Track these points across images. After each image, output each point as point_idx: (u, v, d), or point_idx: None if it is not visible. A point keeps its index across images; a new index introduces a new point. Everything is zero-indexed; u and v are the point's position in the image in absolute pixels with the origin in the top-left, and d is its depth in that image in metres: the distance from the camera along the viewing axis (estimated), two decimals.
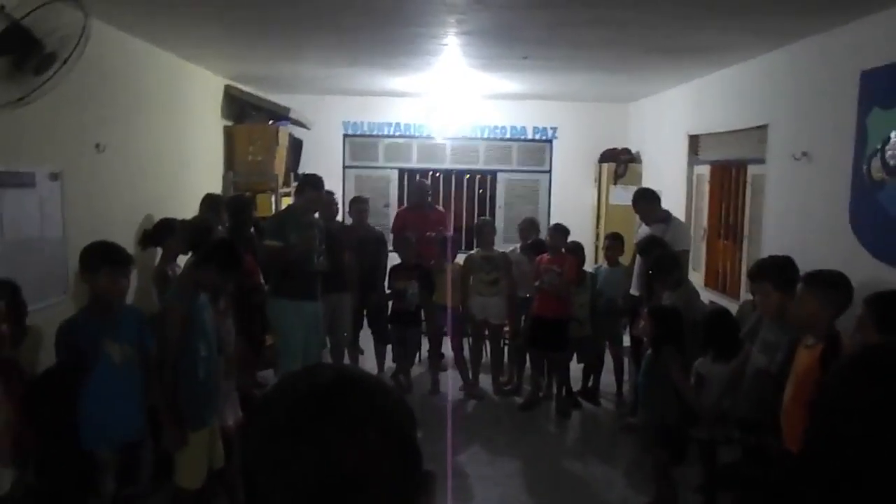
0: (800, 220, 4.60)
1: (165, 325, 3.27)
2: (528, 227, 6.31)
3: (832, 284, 3.08)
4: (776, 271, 3.57)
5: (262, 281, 5.23)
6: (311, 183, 5.11)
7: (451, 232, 6.34)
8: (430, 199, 6.96)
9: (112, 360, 3.08)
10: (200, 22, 4.57)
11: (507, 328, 6.17)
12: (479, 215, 8.75)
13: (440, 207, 7.18)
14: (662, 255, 4.84)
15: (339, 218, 6.56)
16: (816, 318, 3.04)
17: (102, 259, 3.12)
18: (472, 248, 6.35)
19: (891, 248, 3.63)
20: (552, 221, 7.86)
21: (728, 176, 6.09)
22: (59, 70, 3.24)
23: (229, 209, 5.62)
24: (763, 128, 5.17)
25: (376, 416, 0.81)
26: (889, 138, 3.69)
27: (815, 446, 0.94)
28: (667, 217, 5.51)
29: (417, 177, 8.16)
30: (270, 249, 4.92)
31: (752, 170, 5.53)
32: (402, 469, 0.80)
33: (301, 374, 0.86)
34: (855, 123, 3.94)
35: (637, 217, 5.80)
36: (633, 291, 5.50)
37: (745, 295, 5.41)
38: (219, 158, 6.91)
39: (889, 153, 3.69)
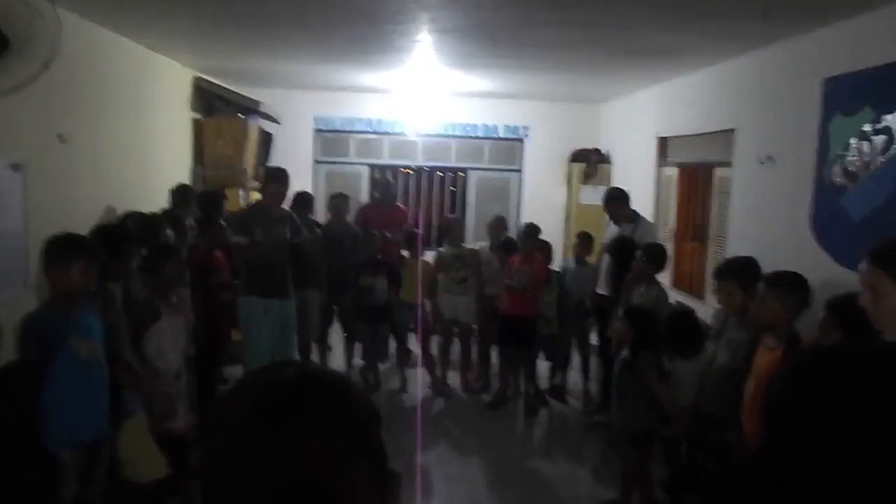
0: (763, 222, 4.69)
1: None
2: (498, 225, 6.32)
3: (792, 285, 3.15)
4: (740, 271, 3.64)
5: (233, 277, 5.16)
6: (275, 177, 5.05)
7: (418, 229, 6.33)
8: (394, 196, 7.00)
9: (77, 356, 3.00)
10: (169, 13, 4.50)
11: (475, 326, 6.18)
12: (450, 212, 8.77)
13: (402, 205, 7.20)
14: (657, 245, 4.89)
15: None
16: (776, 318, 3.11)
17: (73, 252, 2.99)
18: (440, 246, 6.35)
19: (850, 251, 3.71)
20: (523, 220, 7.91)
21: (695, 178, 6.19)
22: (42, 71, 3.17)
23: (200, 204, 5.55)
24: (730, 131, 5.26)
25: (341, 417, 0.79)
26: (849, 144, 3.78)
27: (768, 444, 0.97)
28: (635, 217, 5.59)
29: (387, 173, 8.15)
30: (235, 246, 4.86)
31: (718, 172, 5.62)
32: (368, 470, 0.79)
33: (263, 373, 0.83)
34: (818, 129, 4.03)
35: (606, 217, 5.86)
36: (601, 291, 5.55)
37: (710, 296, 5.50)
38: (187, 152, 6.82)
39: (850, 159, 3.78)
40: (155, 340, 3.54)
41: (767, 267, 3.55)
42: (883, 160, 3.55)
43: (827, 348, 1.23)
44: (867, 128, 3.66)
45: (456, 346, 6.24)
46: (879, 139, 3.58)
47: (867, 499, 0.85)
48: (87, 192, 4.66)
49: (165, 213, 5.10)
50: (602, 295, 5.48)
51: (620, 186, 6.10)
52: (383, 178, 7.43)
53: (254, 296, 4.86)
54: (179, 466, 3.45)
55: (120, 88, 5.24)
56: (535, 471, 4.74)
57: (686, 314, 4.21)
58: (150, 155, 5.84)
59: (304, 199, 5.97)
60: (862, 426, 0.86)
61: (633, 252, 4.92)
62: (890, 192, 3.49)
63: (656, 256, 4.77)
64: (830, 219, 3.93)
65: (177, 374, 3.66)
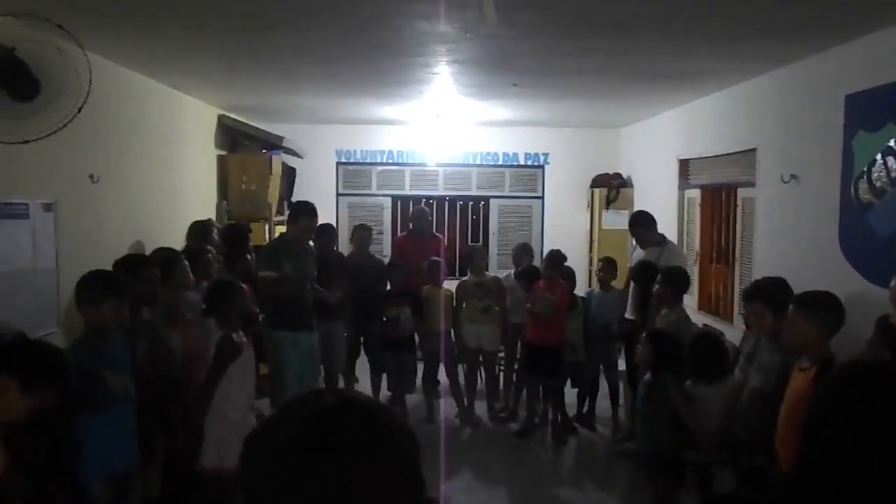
0: (790, 242, 4.63)
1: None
2: (521, 252, 6.31)
3: (822, 306, 3.07)
4: (770, 292, 3.58)
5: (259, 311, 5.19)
6: (304, 210, 5.09)
7: (440, 258, 6.33)
8: (430, 226, 6.91)
9: (110, 390, 3.06)
10: (193, 54, 4.62)
11: (502, 354, 6.15)
12: (472, 241, 8.78)
13: (439, 235, 7.14)
14: (676, 268, 4.84)
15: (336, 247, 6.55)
16: (808, 340, 3.04)
17: (106, 290, 3.10)
18: (464, 274, 6.34)
19: (880, 268, 3.65)
20: (546, 246, 7.91)
21: (718, 199, 6.14)
22: (75, 116, 3.27)
23: (225, 238, 5.61)
24: (752, 151, 5.23)
25: (380, 442, 0.80)
26: (875, 160, 3.74)
27: (807, 461, 0.95)
28: (662, 241, 5.53)
29: (423, 203, 8.17)
30: (265, 280, 4.89)
31: (742, 193, 5.58)
32: (407, 495, 0.80)
33: (304, 399, 0.84)
34: (841, 146, 3.99)
35: (631, 241, 5.81)
36: (629, 315, 5.50)
37: (738, 318, 5.42)
38: (212, 188, 6.93)
39: (875, 175, 3.74)
40: (236, 375, 3.52)
41: (797, 287, 3.49)
42: None
43: (870, 362, 1.21)
44: (892, 143, 3.62)
45: (482, 375, 6.20)
46: None
47: None
48: (117, 230, 4.75)
49: (185, 249, 5.12)
50: (630, 320, 5.43)
51: (645, 210, 6.05)
52: (418, 208, 7.22)
53: (281, 329, 4.88)
54: None
55: (147, 128, 5.36)
56: (563, 499, 4.67)
57: (710, 338, 4.16)
58: (177, 192, 5.95)
59: (327, 232, 6.01)
60: None
61: (655, 276, 4.87)
62: None
63: (676, 280, 4.72)
64: (858, 236, 3.87)
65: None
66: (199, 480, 3.43)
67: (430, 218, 7.01)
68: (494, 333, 5.92)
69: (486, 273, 6.24)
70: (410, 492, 0.80)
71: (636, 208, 7.41)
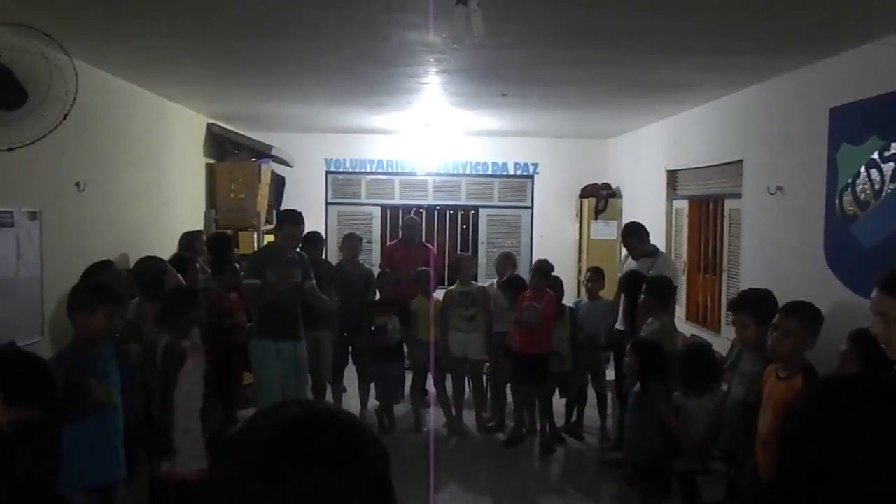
0: (776, 252, 4.66)
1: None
2: (505, 261, 6.31)
3: (812, 316, 3.14)
4: (755, 303, 3.61)
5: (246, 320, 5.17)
6: (289, 218, 5.06)
7: (430, 268, 6.32)
8: (420, 235, 6.91)
9: (96, 400, 3.03)
10: (181, 62, 4.61)
11: (487, 363, 6.14)
12: (460, 251, 8.78)
13: (429, 245, 7.15)
14: (660, 278, 4.85)
15: (324, 255, 6.54)
16: (798, 349, 3.08)
17: (100, 299, 3.07)
18: (452, 284, 6.34)
19: (865, 280, 3.67)
20: (534, 256, 7.92)
21: (706, 210, 6.18)
22: (61, 122, 3.26)
23: (210, 247, 5.60)
24: (738, 163, 5.27)
25: (348, 453, 0.79)
26: (859, 173, 3.78)
27: (782, 475, 0.96)
28: (654, 252, 5.54)
29: (412, 213, 8.17)
30: (248, 288, 4.87)
31: (728, 204, 5.62)
32: None
33: (270, 412, 0.84)
34: (826, 158, 4.03)
35: (622, 251, 5.82)
36: (619, 326, 5.50)
37: (725, 328, 5.45)
38: (201, 196, 6.91)
39: (860, 187, 3.78)
40: (185, 383, 3.56)
41: (781, 297, 3.52)
42: (893, 187, 3.54)
43: (846, 376, 1.23)
44: (875, 156, 3.66)
45: (469, 384, 6.19)
46: (889, 167, 3.57)
47: None
48: (103, 238, 4.72)
49: (173, 257, 5.12)
50: (620, 330, 5.43)
51: (638, 221, 6.04)
52: (408, 218, 7.24)
53: (266, 338, 4.85)
54: None
55: (134, 136, 5.34)
56: None
57: (699, 349, 4.17)
58: (165, 200, 5.93)
59: (314, 239, 6.00)
60: (881, 452, 0.85)
61: (643, 286, 4.88)
62: None
63: (659, 290, 4.73)
64: (842, 247, 3.91)
65: (200, 415, 3.66)
66: (187, 493, 3.40)
67: (420, 228, 7.01)
68: (480, 342, 5.91)
69: (474, 282, 6.24)
70: (380, 501, 0.80)
71: (625, 219, 7.45)
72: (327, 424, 0.82)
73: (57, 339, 3.81)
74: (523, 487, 4.99)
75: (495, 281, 6.26)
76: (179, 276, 4.49)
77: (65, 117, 3.28)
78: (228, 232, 6.39)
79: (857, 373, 1.59)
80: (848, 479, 0.87)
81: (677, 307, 6.23)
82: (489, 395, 6.26)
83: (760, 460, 3.04)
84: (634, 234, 5.59)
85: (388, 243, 7.41)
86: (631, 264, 5.57)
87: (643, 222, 5.84)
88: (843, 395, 0.93)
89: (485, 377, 6.23)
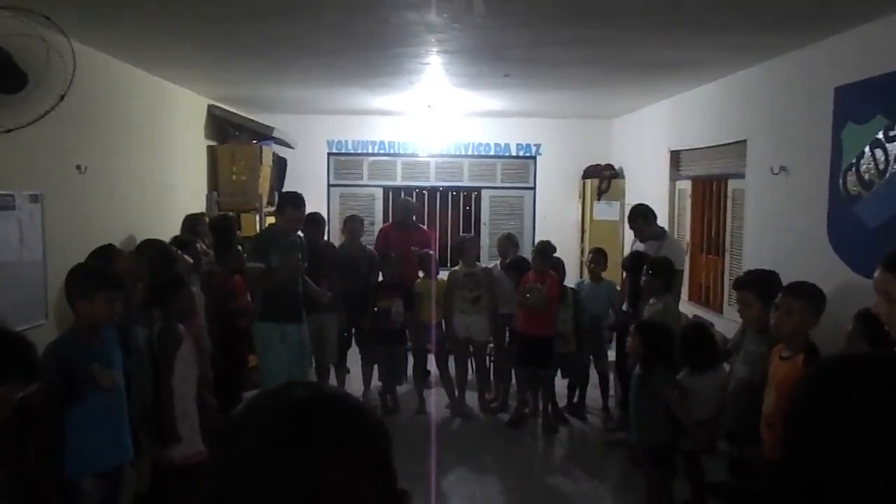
0: (779, 233, 4.65)
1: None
2: (506, 243, 6.30)
3: (814, 295, 3.15)
4: (760, 282, 3.61)
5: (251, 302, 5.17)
6: (291, 201, 5.03)
7: (433, 250, 6.31)
8: (414, 218, 6.89)
9: (100, 385, 3.03)
10: (181, 44, 4.59)
11: (491, 345, 6.16)
12: (463, 232, 8.77)
13: (423, 227, 7.12)
14: (662, 259, 4.84)
15: (327, 237, 6.53)
16: (804, 328, 3.09)
17: (100, 284, 3.02)
18: (455, 265, 6.34)
19: (867, 260, 3.67)
20: (537, 237, 7.91)
21: (709, 190, 6.16)
22: (58, 103, 3.24)
23: (213, 230, 5.59)
24: (742, 143, 5.24)
25: (351, 434, 0.80)
26: (863, 152, 3.76)
27: (787, 455, 0.96)
28: (661, 234, 5.50)
29: (402, 195, 8.14)
30: (253, 272, 4.86)
31: (732, 184, 5.59)
32: (378, 488, 0.80)
33: (273, 394, 0.84)
34: (830, 138, 4.01)
35: (626, 233, 5.80)
36: (622, 307, 5.50)
37: (728, 308, 5.45)
38: (202, 179, 6.90)
39: (864, 167, 3.76)
40: (181, 367, 3.58)
41: (784, 277, 3.52)
42: None
43: (851, 356, 1.23)
44: (880, 135, 3.63)
45: (472, 366, 6.21)
46: (893, 146, 3.55)
47: None
48: (105, 222, 4.72)
49: (174, 239, 5.10)
50: (622, 311, 5.43)
51: (640, 202, 5.96)
52: (403, 200, 7.17)
53: (270, 321, 4.86)
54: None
55: (135, 118, 5.33)
56: (554, 489, 4.69)
57: (698, 327, 4.17)
58: (167, 183, 5.92)
59: (315, 220, 5.97)
60: (886, 434, 0.85)
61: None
62: None
63: (661, 270, 4.73)
64: (846, 227, 3.90)
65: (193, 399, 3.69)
66: (189, 475, 3.42)
67: (414, 209, 6.94)
68: (484, 324, 5.93)
69: (477, 264, 6.24)
70: (382, 483, 0.81)
71: (628, 199, 7.42)
72: (331, 406, 0.82)
73: (61, 323, 3.83)
74: (527, 468, 5.03)
75: (499, 262, 6.26)
76: (188, 258, 4.51)
77: (62, 98, 3.27)
78: (231, 214, 6.38)
79: (861, 354, 1.59)
80: (851, 462, 0.87)
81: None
82: (492, 377, 6.29)
83: (766, 440, 3.05)
84: (642, 217, 5.55)
85: (382, 225, 7.37)
86: (639, 246, 5.55)
87: (646, 203, 5.82)
88: (846, 377, 0.93)
89: (488, 358, 6.26)
